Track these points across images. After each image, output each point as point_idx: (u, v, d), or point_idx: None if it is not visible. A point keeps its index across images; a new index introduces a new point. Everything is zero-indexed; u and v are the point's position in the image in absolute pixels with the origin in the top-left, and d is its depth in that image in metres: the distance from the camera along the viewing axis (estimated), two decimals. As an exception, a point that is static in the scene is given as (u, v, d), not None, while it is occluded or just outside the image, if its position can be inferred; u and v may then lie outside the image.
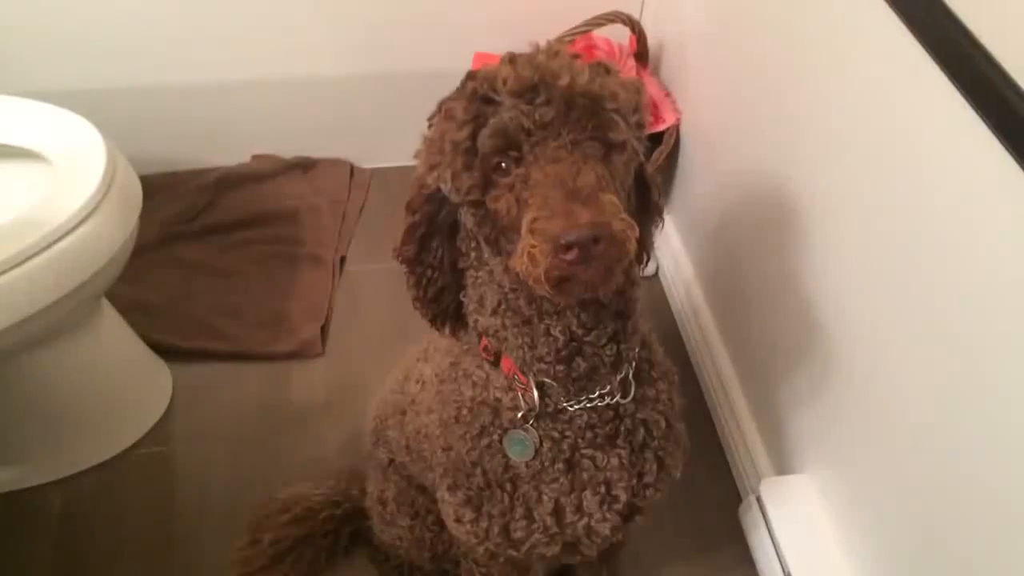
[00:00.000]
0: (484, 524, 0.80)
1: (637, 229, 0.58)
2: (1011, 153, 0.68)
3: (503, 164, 0.60)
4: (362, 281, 1.72)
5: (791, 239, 1.13)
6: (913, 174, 0.84)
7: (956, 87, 0.74)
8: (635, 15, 1.57)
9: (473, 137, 0.60)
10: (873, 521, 1.01)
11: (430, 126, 0.65)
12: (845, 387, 1.03)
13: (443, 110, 0.63)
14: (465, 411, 0.78)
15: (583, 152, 0.59)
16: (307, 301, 1.65)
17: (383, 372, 1.07)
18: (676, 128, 1.56)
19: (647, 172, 0.73)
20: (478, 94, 0.61)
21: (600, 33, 1.55)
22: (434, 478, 0.86)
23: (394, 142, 1.78)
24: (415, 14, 1.67)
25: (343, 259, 1.76)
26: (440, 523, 0.98)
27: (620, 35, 1.58)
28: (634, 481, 0.80)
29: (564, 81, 0.59)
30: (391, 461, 1.06)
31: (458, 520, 0.82)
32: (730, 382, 1.40)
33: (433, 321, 0.77)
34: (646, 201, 0.75)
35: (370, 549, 1.22)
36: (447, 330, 0.78)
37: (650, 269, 1.72)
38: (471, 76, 0.63)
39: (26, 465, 1.36)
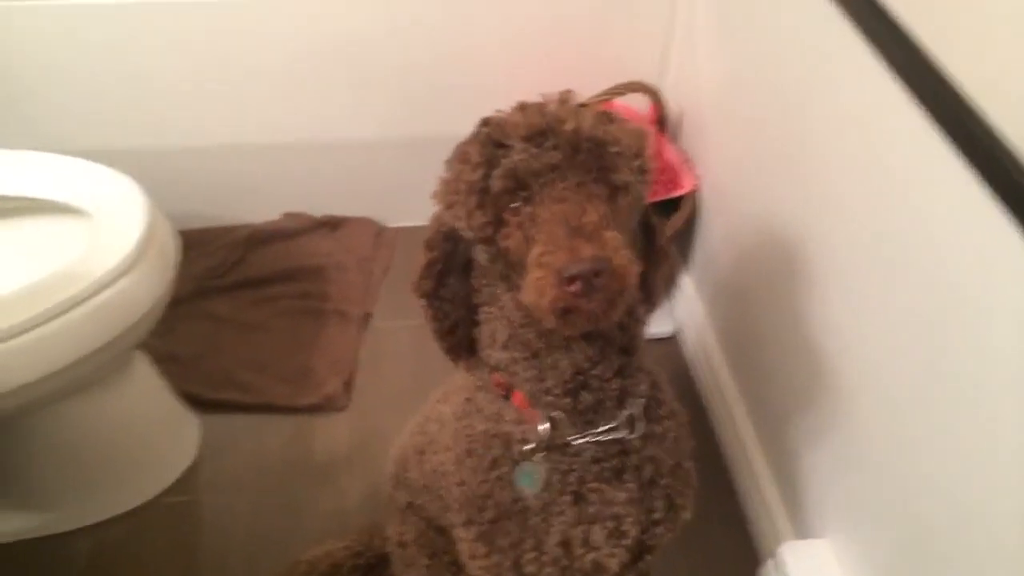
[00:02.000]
0: (496, 559, 0.82)
1: (637, 264, 0.63)
2: (1011, 216, 0.71)
3: (513, 204, 0.65)
4: (387, 337, 1.75)
5: (809, 299, 1.15)
6: (919, 232, 0.87)
7: (956, 150, 0.78)
8: (655, 85, 1.63)
9: (486, 178, 0.65)
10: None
11: (448, 169, 0.70)
12: (865, 450, 1.04)
13: (459, 153, 0.68)
14: (478, 444, 0.82)
15: (588, 192, 0.64)
16: (332, 355, 1.69)
17: (405, 426, 1.10)
18: (695, 193, 1.60)
19: (652, 218, 0.78)
20: (491, 139, 0.66)
21: (621, 101, 1.61)
22: (452, 517, 0.88)
23: (418, 202, 1.80)
24: (437, 83, 1.74)
25: (368, 315, 1.80)
26: (457, 564, 1.00)
27: (641, 104, 1.63)
28: (643, 517, 0.82)
29: (570, 126, 0.64)
30: (409, 504, 1.08)
31: (473, 556, 0.84)
32: (749, 442, 1.41)
33: (449, 353, 0.82)
34: (652, 245, 0.79)
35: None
36: (462, 363, 0.83)
37: (668, 330, 1.74)
38: (485, 122, 0.68)
39: (55, 512, 1.38)
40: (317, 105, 1.78)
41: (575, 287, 0.59)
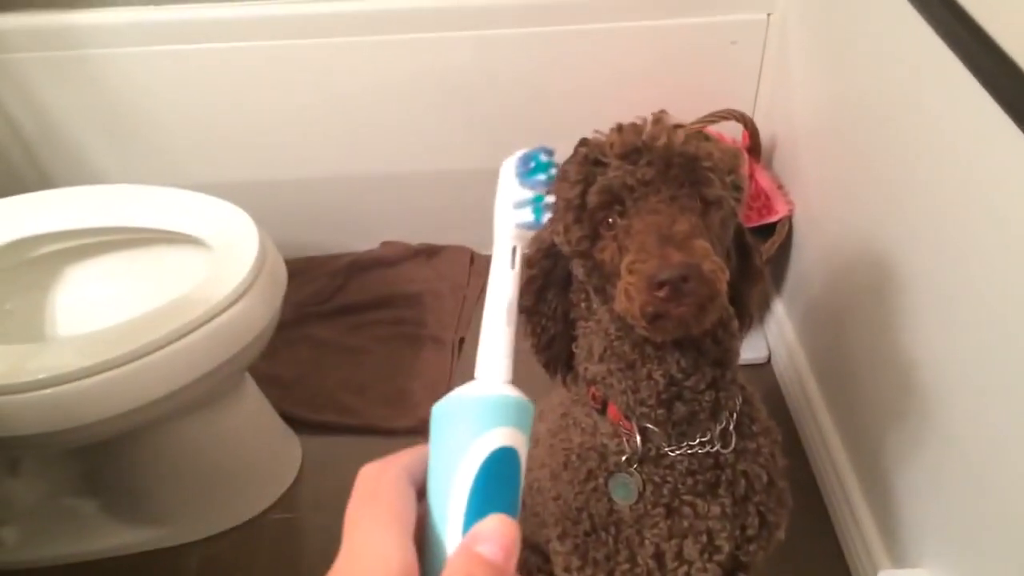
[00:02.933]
0: (589, 571, 0.83)
1: (727, 273, 0.64)
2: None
3: (609, 219, 0.68)
4: (480, 362, 1.79)
5: (901, 319, 1.14)
6: (1012, 248, 0.86)
7: None
8: (748, 112, 1.63)
9: (583, 195, 0.68)
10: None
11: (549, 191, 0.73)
12: (963, 475, 1.02)
13: (559, 172, 0.71)
14: (574, 457, 0.84)
15: (680, 205, 0.66)
16: (428, 379, 1.74)
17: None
18: (789, 219, 1.59)
19: (747, 236, 0.79)
20: (588, 158, 0.69)
21: (714, 129, 1.62)
22: (547, 534, 0.90)
23: (512, 231, 1.87)
24: (535, 115, 1.78)
25: (462, 340, 1.85)
26: None
27: (733, 131, 1.64)
28: (737, 533, 0.82)
29: (662, 142, 0.66)
30: None
31: (567, 570, 0.85)
32: (842, 467, 1.38)
33: (546, 367, 0.84)
34: (748, 265, 0.80)
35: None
36: (558, 377, 0.85)
37: (762, 355, 1.73)
38: (583, 143, 0.71)
39: (169, 526, 1.46)
40: (415, 137, 1.84)
41: (664, 292, 0.61)
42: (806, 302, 1.58)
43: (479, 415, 0.36)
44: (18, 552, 1.44)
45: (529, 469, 0.95)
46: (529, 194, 0.40)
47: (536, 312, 0.81)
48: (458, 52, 1.69)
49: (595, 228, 0.69)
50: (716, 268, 0.63)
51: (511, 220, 0.40)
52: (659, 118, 0.70)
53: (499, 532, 0.34)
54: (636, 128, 0.69)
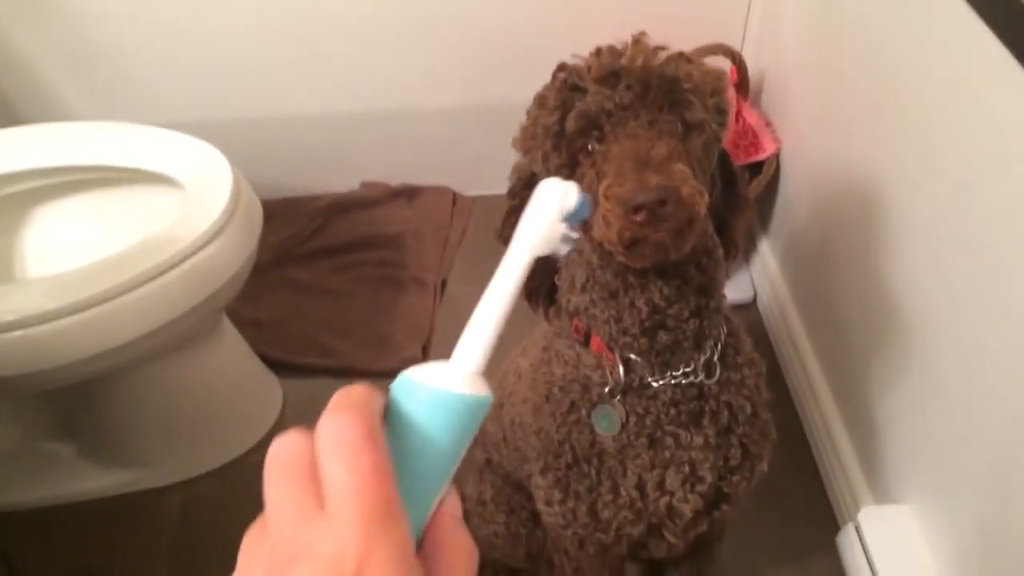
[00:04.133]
0: (571, 504, 0.83)
1: (707, 195, 0.62)
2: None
3: (588, 145, 0.66)
4: (462, 303, 1.77)
5: (890, 254, 1.13)
6: (1004, 178, 0.84)
7: None
8: (736, 47, 1.60)
9: (561, 121, 0.65)
10: (981, 560, 0.98)
11: (527, 116, 0.71)
12: (946, 410, 1.02)
13: (536, 99, 0.69)
14: (556, 389, 0.83)
15: (659, 129, 0.64)
16: (410, 321, 1.72)
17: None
18: (776, 157, 1.56)
19: (733, 165, 0.77)
20: (567, 83, 0.66)
21: (700, 64, 1.58)
22: (528, 470, 0.90)
23: (494, 171, 1.82)
24: (514, 49, 1.74)
25: (444, 282, 1.83)
26: (534, 519, 1.01)
27: (721, 67, 1.60)
28: (720, 464, 0.82)
29: (640, 64, 0.64)
30: (487, 461, 1.10)
31: (548, 503, 0.85)
32: (826, 405, 1.39)
33: (528, 299, 0.83)
34: (733, 193, 0.78)
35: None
36: (540, 311, 0.84)
37: (747, 296, 1.72)
38: (561, 67, 0.69)
39: (150, 468, 1.45)
40: (394, 74, 1.79)
41: (641, 216, 0.60)
42: (792, 240, 1.57)
43: (454, 430, 0.34)
44: (-3, 495, 1.43)
45: (512, 404, 0.95)
46: (564, 232, 0.40)
47: None
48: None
49: (574, 155, 0.67)
50: (694, 192, 0.61)
51: (537, 244, 0.40)
52: (638, 39, 0.67)
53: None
54: (615, 51, 0.66)
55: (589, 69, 0.65)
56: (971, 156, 0.92)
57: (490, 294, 0.39)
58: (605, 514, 0.83)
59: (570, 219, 0.40)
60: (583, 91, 0.65)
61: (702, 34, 1.56)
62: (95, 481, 1.44)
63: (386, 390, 0.35)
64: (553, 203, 0.40)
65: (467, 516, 1.17)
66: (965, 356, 0.97)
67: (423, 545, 0.32)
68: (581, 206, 0.40)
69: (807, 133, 1.46)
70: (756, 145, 1.55)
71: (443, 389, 0.34)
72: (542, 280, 0.82)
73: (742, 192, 0.79)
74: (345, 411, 0.31)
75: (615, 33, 0.72)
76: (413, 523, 0.31)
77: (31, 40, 1.66)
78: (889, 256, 1.13)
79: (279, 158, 1.93)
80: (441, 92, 1.83)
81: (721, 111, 0.68)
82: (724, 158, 0.76)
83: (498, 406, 1.01)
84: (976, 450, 0.98)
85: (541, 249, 0.39)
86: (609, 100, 0.64)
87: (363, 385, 0.33)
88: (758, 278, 1.72)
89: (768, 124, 1.60)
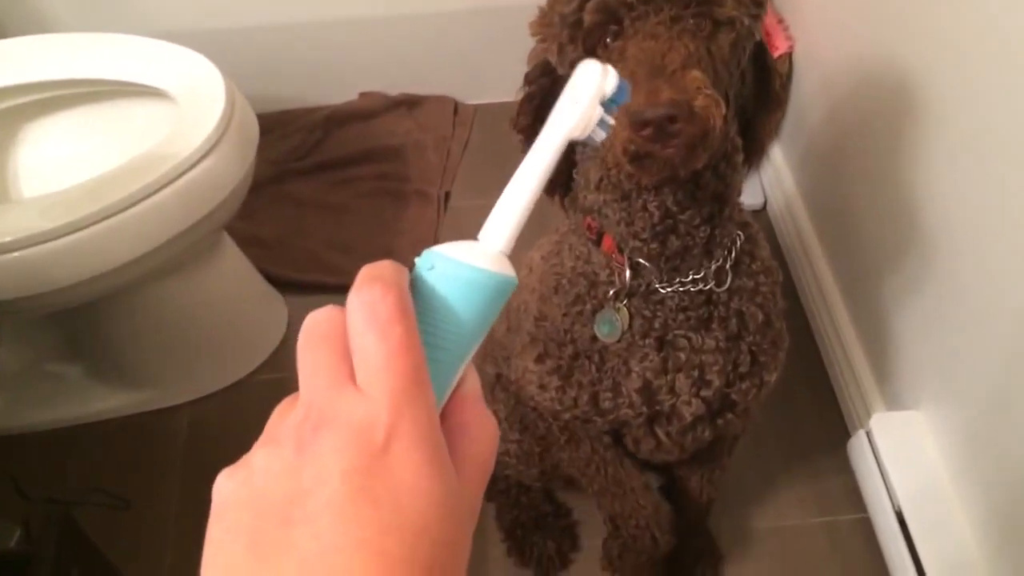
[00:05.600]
0: (573, 393, 0.83)
1: (723, 106, 0.58)
2: None
3: (606, 39, 0.61)
4: (466, 216, 1.74)
5: (908, 157, 1.09)
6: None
7: None
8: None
9: (579, 11, 0.61)
10: (994, 463, 0.98)
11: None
12: (961, 316, 1.00)
13: None
14: (565, 281, 0.82)
15: (682, 28, 0.59)
16: (414, 235, 1.69)
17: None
18: (790, 56, 1.51)
19: (769, 58, 0.72)
20: None
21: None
22: (520, 354, 0.89)
23: (496, 78, 1.78)
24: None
25: (448, 194, 1.79)
26: (545, 438, 1.01)
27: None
28: (728, 368, 0.81)
29: None
30: (498, 376, 1.09)
31: (542, 387, 0.85)
32: (839, 314, 1.37)
33: (547, 189, 0.80)
34: (767, 89, 0.74)
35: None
36: (556, 198, 0.82)
37: (758, 203, 1.69)
38: None
39: (157, 388, 1.45)
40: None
41: (647, 132, 0.56)
42: (804, 144, 1.52)
43: (479, 302, 0.34)
44: (6, 418, 1.43)
45: (519, 292, 0.93)
46: (601, 116, 0.38)
47: (534, 132, 0.75)
48: None
49: (591, 48, 0.62)
50: (709, 104, 0.56)
51: (574, 127, 0.37)
52: None
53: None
54: None
55: None
56: (998, 55, 0.87)
57: (520, 174, 0.37)
58: (607, 404, 0.83)
59: (608, 104, 0.38)
60: None
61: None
62: (103, 402, 1.44)
63: (412, 266, 0.34)
64: (592, 85, 0.38)
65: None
66: (981, 262, 0.95)
67: (447, 420, 0.32)
68: (620, 91, 0.38)
69: (822, 31, 1.40)
70: (769, 44, 1.49)
71: (470, 264, 0.34)
72: (558, 170, 0.78)
73: (776, 89, 0.74)
74: (377, 283, 0.30)
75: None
76: (437, 394, 0.31)
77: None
78: (905, 161, 1.09)
79: (274, 69, 1.87)
80: (439, -4, 1.76)
81: (759, 3, 0.63)
82: (760, 51, 0.71)
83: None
84: (986, 358, 0.96)
85: (577, 132, 0.38)
86: None
87: (390, 261, 0.32)
88: (769, 183, 1.68)
89: (780, 21, 1.53)
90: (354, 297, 0.30)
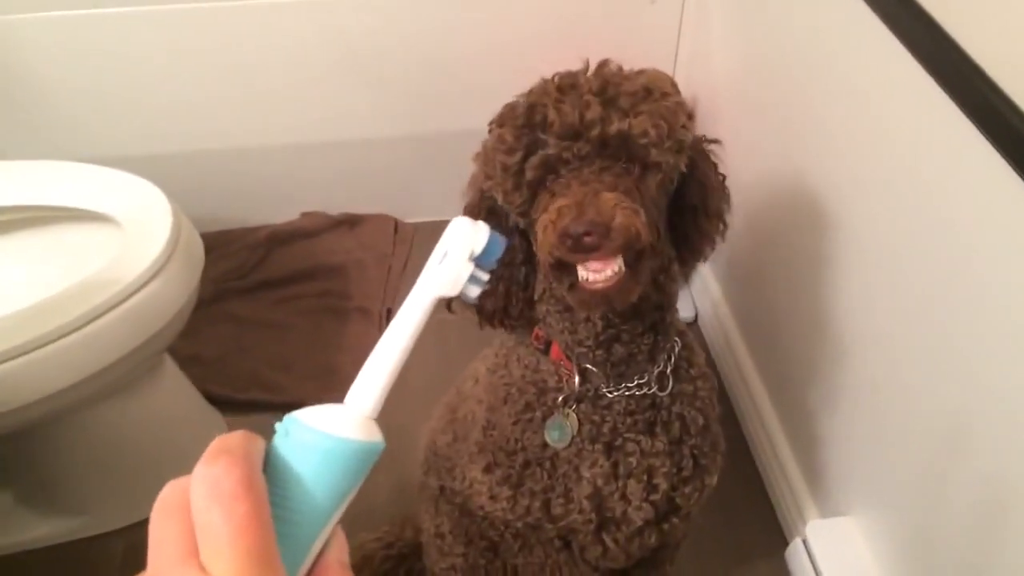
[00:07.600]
0: (525, 502, 0.85)
1: (643, 215, 0.64)
2: (1016, 170, 0.72)
3: (546, 183, 0.69)
4: (408, 332, 1.76)
5: (822, 274, 1.16)
6: (931, 204, 0.88)
7: (960, 109, 0.79)
8: (668, 70, 1.63)
9: (523, 162, 0.68)
10: (923, 566, 1.01)
11: (490, 130, 0.73)
12: (880, 423, 1.05)
13: (497, 134, 0.71)
14: (515, 389, 0.85)
15: (614, 172, 0.67)
16: (355, 353, 1.70)
17: (434, 411, 1.11)
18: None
19: (710, 177, 0.80)
20: (528, 126, 0.68)
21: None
22: (470, 465, 0.91)
23: (434, 198, 1.84)
24: (452, 80, 1.75)
25: (389, 311, 1.82)
26: (493, 549, 1.01)
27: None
28: (674, 471, 0.85)
29: (596, 132, 0.66)
30: (441, 489, 1.10)
31: (493, 497, 0.87)
32: (770, 421, 1.42)
33: (487, 318, 0.84)
34: (705, 206, 0.80)
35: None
36: (497, 323, 0.85)
37: (689, 316, 1.75)
38: (528, 108, 0.69)
39: (91, 514, 1.41)
40: (331, 105, 1.79)
41: (569, 243, 0.63)
42: (729, 260, 1.60)
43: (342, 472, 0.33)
44: (-73, 551, 1.37)
45: (466, 405, 0.95)
46: (472, 272, 0.39)
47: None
48: (370, 15, 1.64)
49: (534, 192, 0.70)
50: (629, 217, 0.63)
51: (441, 285, 0.38)
52: (601, 72, 0.70)
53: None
54: (576, 104, 0.67)
55: (551, 124, 0.67)
56: (892, 176, 0.96)
57: (388, 336, 0.37)
58: (557, 511, 0.85)
59: (480, 260, 0.39)
60: (543, 137, 0.67)
61: (634, 60, 1.58)
62: (34, 530, 1.39)
63: (273, 432, 0.34)
64: (461, 243, 0.39)
65: (424, 549, 1.16)
66: (893, 369, 1.01)
67: None
68: (492, 246, 0.39)
69: (739, 156, 1.50)
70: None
71: (330, 433, 0.33)
72: (503, 293, 0.82)
73: (715, 205, 0.81)
74: (222, 456, 0.30)
75: (549, 60, 0.74)
76: (290, 569, 0.30)
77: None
78: (820, 277, 1.17)
79: (216, 190, 1.90)
80: (379, 122, 1.83)
81: (681, 142, 0.70)
82: (695, 165, 0.77)
83: (451, 411, 1.02)
84: (907, 462, 1.01)
85: (445, 290, 0.38)
86: (568, 151, 0.67)
87: (242, 431, 0.32)
88: (699, 298, 1.75)
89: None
90: (199, 470, 0.30)
